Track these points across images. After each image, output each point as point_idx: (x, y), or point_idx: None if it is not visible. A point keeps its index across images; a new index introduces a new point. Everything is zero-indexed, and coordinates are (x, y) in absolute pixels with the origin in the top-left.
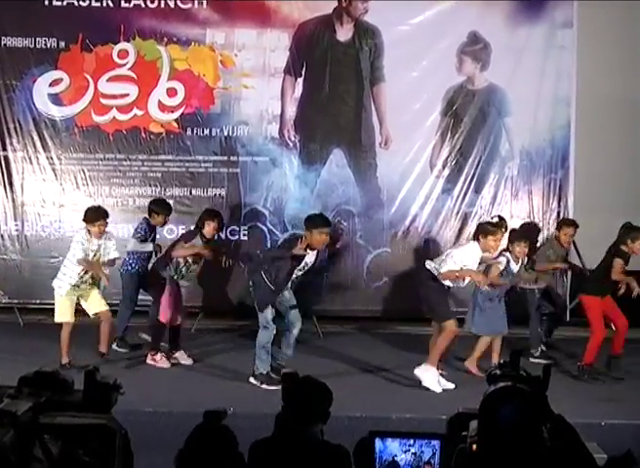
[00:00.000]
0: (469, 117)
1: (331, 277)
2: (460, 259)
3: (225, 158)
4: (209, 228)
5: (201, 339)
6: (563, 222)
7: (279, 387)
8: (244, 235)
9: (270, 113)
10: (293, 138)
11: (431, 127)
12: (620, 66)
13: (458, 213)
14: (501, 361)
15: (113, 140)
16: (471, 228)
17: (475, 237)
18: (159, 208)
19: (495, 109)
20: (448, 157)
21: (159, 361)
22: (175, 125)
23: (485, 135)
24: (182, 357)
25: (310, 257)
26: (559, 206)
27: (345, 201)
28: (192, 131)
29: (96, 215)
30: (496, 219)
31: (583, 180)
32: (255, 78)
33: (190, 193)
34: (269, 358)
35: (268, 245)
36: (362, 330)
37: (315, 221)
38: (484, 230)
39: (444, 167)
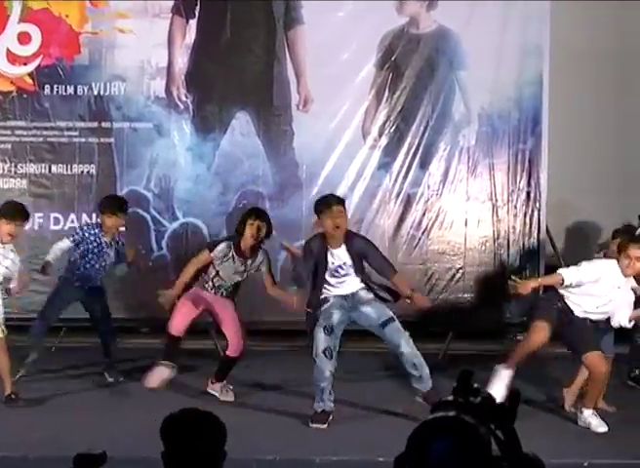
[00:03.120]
0: (413, 70)
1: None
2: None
3: (96, 124)
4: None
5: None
6: None
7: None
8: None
9: (154, 66)
10: (184, 99)
11: (364, 83)
12: (603, 8)
13: (399, 194)
14: (454, 384)
15: None
16: (417, 214)
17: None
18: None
19: (446, 60)
20: (385, 122)
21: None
22: (28, 81)
23: (433, 93)
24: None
25: (338, 254)
26: (529, 184)
27: (253, 180)
28: (52, 89)
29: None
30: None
31: (559, 152)
32: (133, 20)
33: (49, 170)
34: (325, 396)
35: (152, 238)
36: (273, 346)
37: (321, 203)
38: (622, 242)
39: (380, 135)
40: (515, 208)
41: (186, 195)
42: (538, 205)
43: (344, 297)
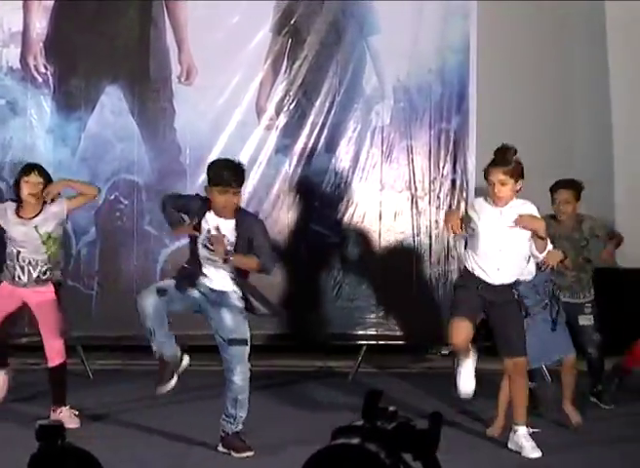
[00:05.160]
0: (316, 36)
1: (105, 286)
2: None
3: None
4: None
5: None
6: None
7: None
8: None
9: (6, 31)
10: (42, 70)
11: (257, 51)
12: None
13: (301, 183)
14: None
15: None
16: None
17: None
18: None
19: (355, 23)
20: (284, 98)
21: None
22: None
23: (340, 63)
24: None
25: (221, 226)
26: (454, 171)
27: (127, 166)
28: None
29: None
30: None
31: (489, 132)
32: None
33: None
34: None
35: None
36: (150, 365)
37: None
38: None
39: (278, 113)
40: (438, 198)
41: None
42: (464, 194)
43: (214, 290)
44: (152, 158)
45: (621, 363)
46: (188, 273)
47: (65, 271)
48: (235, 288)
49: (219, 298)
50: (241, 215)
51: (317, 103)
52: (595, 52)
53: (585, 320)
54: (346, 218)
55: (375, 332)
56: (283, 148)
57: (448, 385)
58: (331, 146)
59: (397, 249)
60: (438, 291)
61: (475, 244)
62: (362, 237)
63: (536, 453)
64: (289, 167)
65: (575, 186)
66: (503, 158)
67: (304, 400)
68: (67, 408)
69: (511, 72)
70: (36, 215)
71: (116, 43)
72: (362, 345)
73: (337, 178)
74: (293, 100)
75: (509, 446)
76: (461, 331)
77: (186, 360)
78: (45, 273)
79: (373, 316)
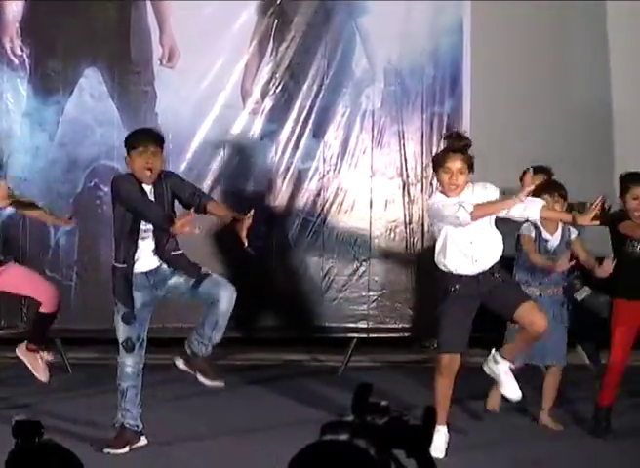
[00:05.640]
0: (303, 16)
1: (84, 277)
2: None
3: None
4: None
5: None
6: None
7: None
8: None
9: None
10: (19, 52)
11: (242, 32)
12: None
13: (287, 170)
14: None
15: None
16: (310, 194)
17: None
18: None
19: (344, 4)
20: (270, 81)
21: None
22: None
23: (329, 44)
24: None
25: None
26: None
27: (106, 152)
28: None
29: None
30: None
31: (484, 116)
32: None
33: None
34: (128, 404)
35: None
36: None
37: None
38: (434, 162)
39: (264, 96)
40: (431, 185)
41: (24, 172)
42: None
43: (147, 274)
44: None
45: (597, 403)
46: (124, 282)
47: (43, 261)
48: (160, 260)
49: (157, 277)
50: (161, 178)
51: (305, 87)
52: (595, 32)
53: (583, 293)
54: (335, 206)
55: (365, 325)
56: (269, 134)
57: None
58: (319, 131)
59: (388, 238)
60: (431, 281)
61: (445, 244)
62: (352, 226)
63: (516, 394)
64: (275, 153)
65: None
66: (460, 145)
67: (292, 394)
68: (46, 354)
69: (506, 53)
70: None
71: (95, 24)
72: (352, 338)
73: (325, 165)
74: (279, 84)
75: (484, 368)
76: (453, 369)
77: (143, 441)
78: None
79: (363, 308)
